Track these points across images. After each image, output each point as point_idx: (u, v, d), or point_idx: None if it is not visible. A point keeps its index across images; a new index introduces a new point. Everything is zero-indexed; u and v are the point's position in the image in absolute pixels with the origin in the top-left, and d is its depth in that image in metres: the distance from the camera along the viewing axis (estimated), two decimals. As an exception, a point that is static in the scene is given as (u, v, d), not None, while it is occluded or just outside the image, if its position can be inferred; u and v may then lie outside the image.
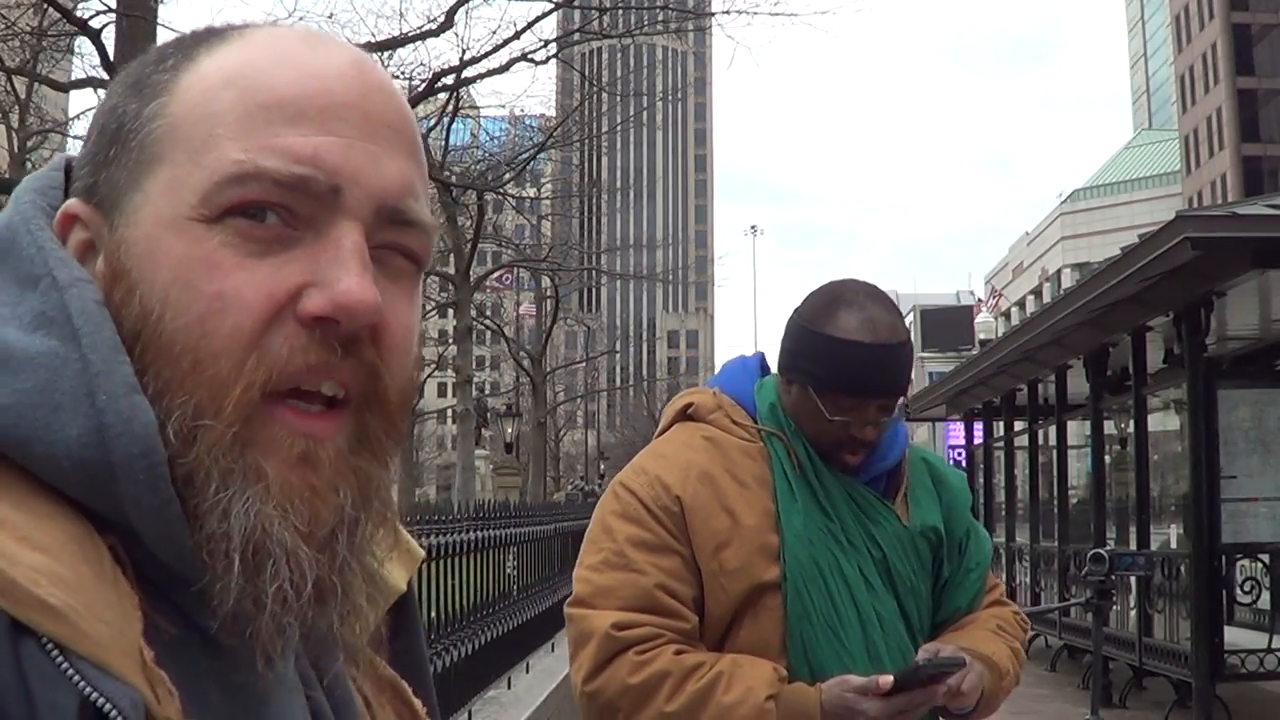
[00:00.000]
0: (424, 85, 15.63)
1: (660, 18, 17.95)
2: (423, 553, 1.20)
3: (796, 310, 2.03)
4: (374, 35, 15.42)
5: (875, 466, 2.03)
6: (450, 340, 31.23)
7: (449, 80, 16.10)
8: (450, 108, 20.67)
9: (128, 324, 0.63)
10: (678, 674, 1.85)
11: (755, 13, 16.48)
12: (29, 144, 21.15)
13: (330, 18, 25.25)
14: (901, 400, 1.97)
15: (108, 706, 0.55)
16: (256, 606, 0.62)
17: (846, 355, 1.90)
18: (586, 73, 23.74)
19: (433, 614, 4.86)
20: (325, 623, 0.65)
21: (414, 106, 16.58)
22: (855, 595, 1.95)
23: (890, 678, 1.81)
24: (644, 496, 1.95)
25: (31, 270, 0.64)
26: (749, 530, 1.93)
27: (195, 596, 0.62)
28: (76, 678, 0.55)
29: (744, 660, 1.88)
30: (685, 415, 2.10)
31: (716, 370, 2.29)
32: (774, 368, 2.15)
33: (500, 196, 23.45)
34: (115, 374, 0.61)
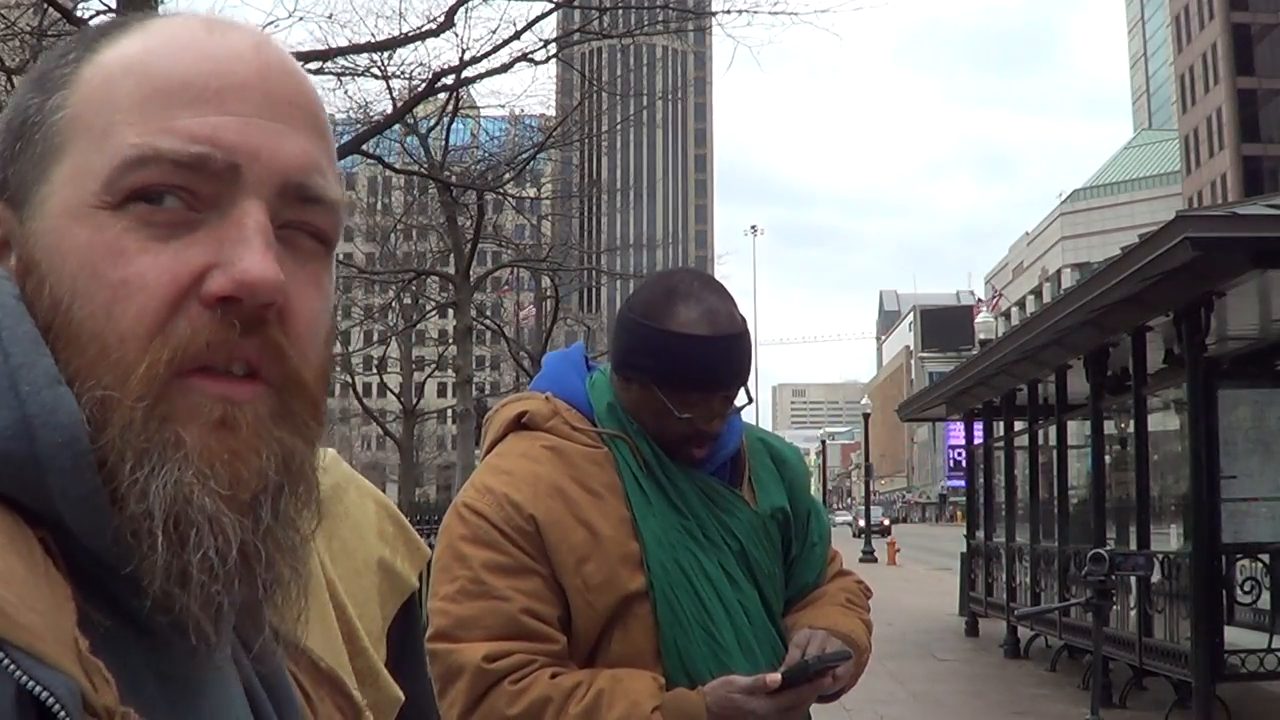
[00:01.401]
0: (424, 85, 15.62)
1: (660, 17, 17.94)
2: (429, 551, 1.20)
3: (628, 305, 1.94)
4: (374, 35, 15.41)
5: (719, 456, 1.97)
6: (450, 340, 31.22)
7: (449, 80, 16.07)
8: (450, 108, 20.66)
9: (40, 316, 0.64)
10: (558, 698, 1.78)
11: (755, 12, 16.46)
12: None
13: (330, 18, 25.33)
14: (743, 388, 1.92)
15: (44, 695, 0.55)
16: (184, 579, 0.62)
17: (689, 351, 1.84)
18: (586, 73, 23.71)
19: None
20: (251, 592, 0.64)
21: (414, 106, 16.58)
22: (721, 592, 1.90)
23: (778, 676, 1.76)
24: (494, 518, 1.85)
25: None
26: (608, 541, 1.86)
27: (128, 584, 0.62)
28: (12, 667, 0.55)
29: (622, 674, 1.82)
30: (519, 424, 1.99)
31: None
32: (592, 361, 2.09)
33: (500, 196, 23.43)
34: (36, 366, 0.62)
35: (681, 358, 1.85)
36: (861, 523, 62.09)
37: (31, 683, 0.55)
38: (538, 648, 1.82)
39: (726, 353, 1.86)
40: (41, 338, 0.63)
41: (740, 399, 1.94)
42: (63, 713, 0.55)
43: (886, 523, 69.89)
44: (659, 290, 1.90)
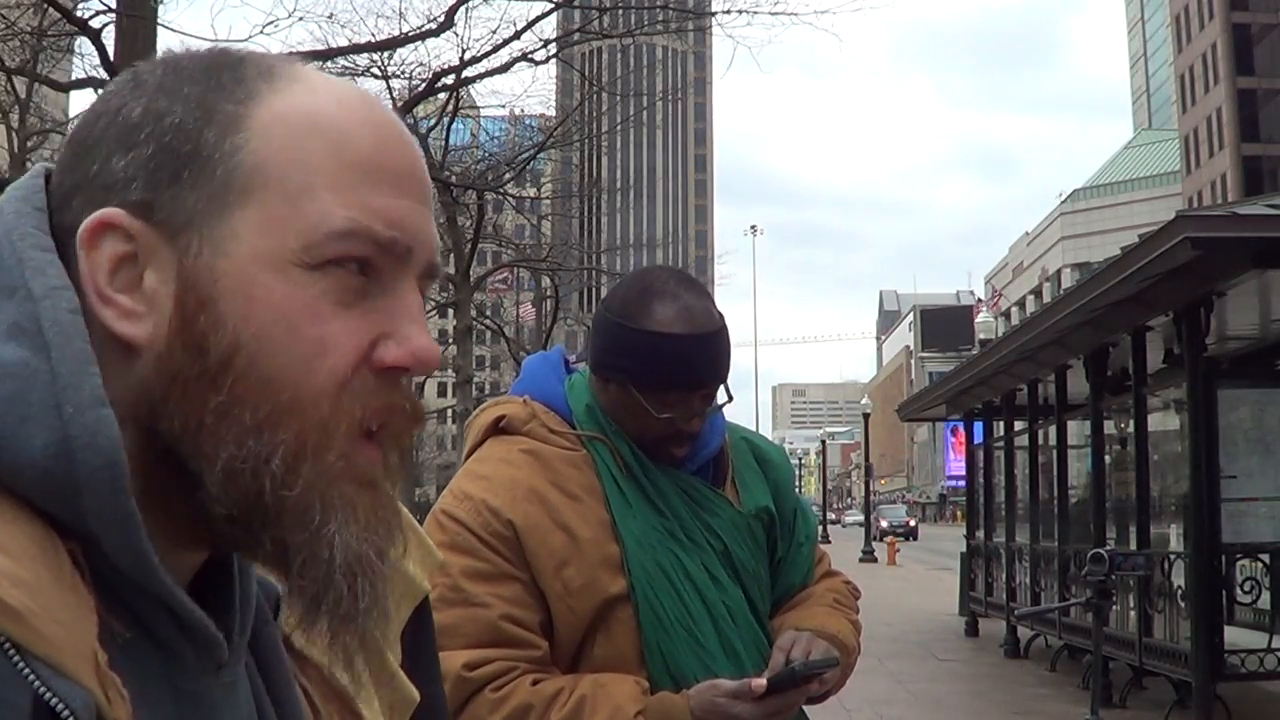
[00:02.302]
0: (424, 85, 15.63)
1: (660, 17, 17.94)
2: (441, 556, 1.23)
3: (605, 305, 1.92)
4: (374, 35, 15.42)
5: (700, 455, 1.94)
6: (450, 340, 31.24)
7: (449, 80, 16.09)
8: (450, 108, 20.68)
9: (215, 352, 0.66)
10: (540, 706, 1.76)
11: (755, 12, 16.48)
12: (29, 144, 21.16)
13: (330, 18, 25.32)
14: (722, 386, 1.90)
15: (60, 706, 0.56)
16: (347, 619, 0.68)
17: (667, 350, 1.82)
18: (586, 73, 23.73)
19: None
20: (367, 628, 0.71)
21: (414, 106, 16.59)
22: (704, 594, 1.88)
23: (764, 681, 1.74)
24: (472, 524, 1.83)
25: (8, 280, 0.65)
26: (588, 544, 1.84)
27: (151, 600, 0.65)
28: (31, 677, 0.56)
29: (605, 679, 1.80)
30: (497, 429, 1.96)
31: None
32: (573, 363, 2.07)
33: (500, 196, 23.45)
34: (83, 386, 0.63)
35: (659, 357, 1.82)
36: (884, 523, 57.39)
37: (48, 693, 0.56)
38: (518, 654, 1.80)
39: (704, 350, 1.84)
40: (92, 357, 0.64)
41: (720, 397, 1.92)
42: None
43: (912, 523, 62.97)
44: (635, 289, 1.88)
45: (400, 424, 0.72)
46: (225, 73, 0.70)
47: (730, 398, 1.95)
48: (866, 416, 46.20)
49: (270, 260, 0.67)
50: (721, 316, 1.89)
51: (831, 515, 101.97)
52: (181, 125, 0.68)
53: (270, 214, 0.67)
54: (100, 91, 0.74)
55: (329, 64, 14.06)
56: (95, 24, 11.61)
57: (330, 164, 0.69)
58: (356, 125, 0.70)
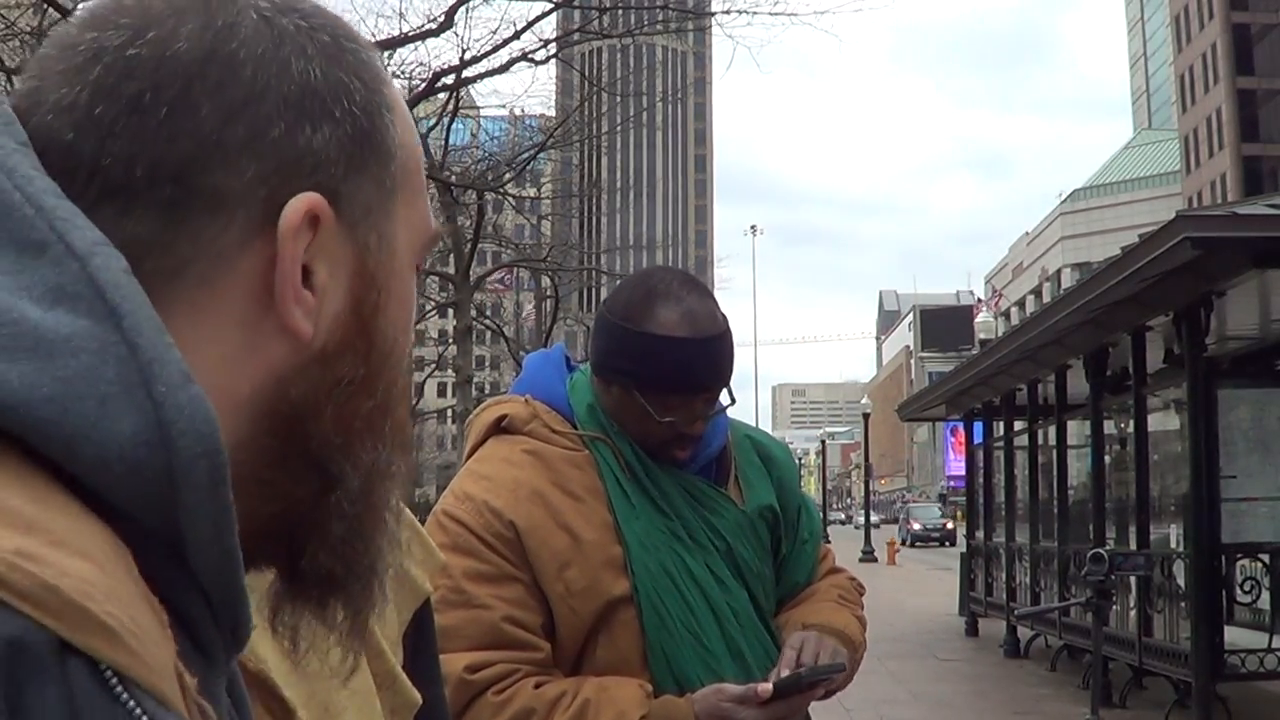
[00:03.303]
0: (424, 85, 15.63)
1: (660, 18, 17.95)
2: (443, 558, 1.22)
3: (607, 306, 1.90)
4: (374, 35, 15.41)
5: (703, 455, 1.92)
6: (450, 340, 31.23)
7: (449, 80, 16.11)
8: (450, 107, 20.67)
9: (378, 355, 0.63)
10: (542, 709, 1.74)
11: (755, 12, 16.51)
12: (29, 144, 21.15)
13: (330, 18, 25.25)
14: (725, 388, 1.88)
15: None
16: (358, 619, 0.66)
17: (670, 353, 1.79)
18: (586, 73, 23.74)
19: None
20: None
21: (414, 106, 16.59)
22: (709, 595, 1.86)
23: (770, 686, 1.73)
24: (474, 525, 1.81)
25: (31, 234, 0.54)
26: (590, 545, 1.82)
27: (196, 600, 0.56)
28: (140, 713, 0.48)
29: (608, 682, 1.78)
30: (499, 428, 1.94)
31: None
32: (574, 362, 2.06)
33: (500, 196, 23.45)
34: (169, 360, 0.53)
35: (661, 360, 1.80)
36: (915, 526, 47.67)
37: None
38: (521, 656, 1.78)
39: (707, 354, 1.82)
40: (164, 326, 0.54)
41: (723, 399, 1.90)
42: None
43: (949, 525, 46.61)
44: (638, 290, 1.86)
45: None
46: (344, 38, 0.64)
47: (733, 400, 1.93)
48: (866, 416, 46.21)
49: (408, 261, 0.66)
50: (725, 319, 1.87)
51: (841, 515, 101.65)
52: (366, 105, 0.63)
53: (410, 210, 0.66)
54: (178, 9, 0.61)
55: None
56: (95, 24, 11.62)
57: (416, 174, 0.68)
58: (411, 126, 0.69)
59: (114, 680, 0.47)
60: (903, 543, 41.96)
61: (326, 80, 0.61)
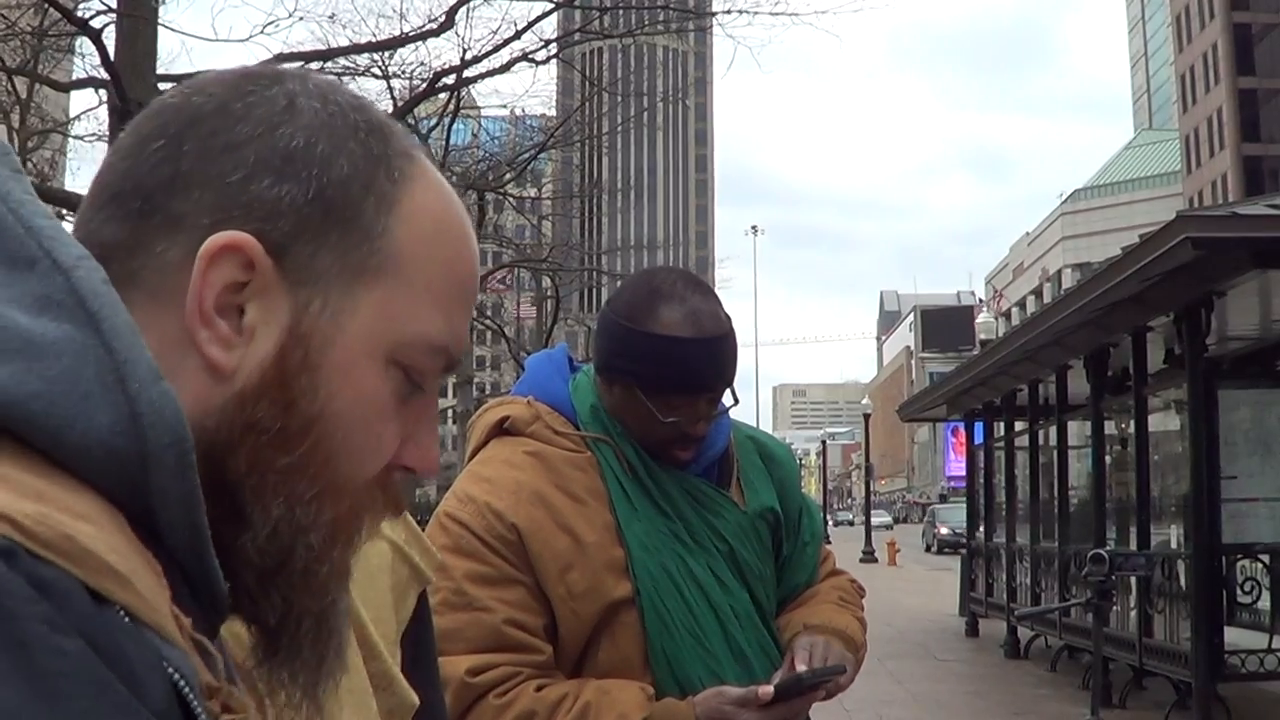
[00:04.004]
0: (424, 85, 15.63)
1: (661, 18, 17.95)
2: (439, 556, 1.23)
3: (610, 306, 1.89)
4: (375, 35, 15.43)
5: (705, 456, 1.92)
6: (450, 340, 31.18)
7: (449, 80, 16.09)
8: (451, 108, 20.67)
9: (300, 415, 0.66)
10: (544, 712, 1.74)
11: (755, 12, 16.49)
12: (29, 144, 21.16)
13: (332, 18, 25.30)
14: (728, 389, 1.88)
15: (176, 676, 0.55)
16: (314, 672, 0.70)
17: (674, 354, 1.79)
18: (587, 73, 23.74)
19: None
20: None
21: (414, 107, 16.58)
22: (710, 597, 1.86)
23: (770, 688, 1.72)
24: (476, 527, 1.81)
25: (21, 251, 0.61)
26: (592, 548, 1.82)
27: (175, 572, 0.63)
28: (158, 644, 0.55)
29: (610, 685, 1.78)
30: (501, 430, 1.94)
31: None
32: (577, 362, 2.05)
33: (501, 196, 23.47)
34: (141, 360, 0.60)
35: (665, 361, 1.79)
36: (943, 530, 38.74)
37: (166, 665, 0.55)
38: (522, 659, 1.78)
39: (711, 355, 1.81)
40: (138, 330, 0.61)
41: (726, 400, 1.90)
42: (190, 694, 0.56)
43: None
44: (641, 290, 1.85)
45: (383, 513, 0.74)
46: (377, 137, 0.70)
47: (736, 401, 1.93)
48: (867, 417, 46.21)
49: (374, 347, 0.68)
50: (729, 319, 1.86)
51: (849, 515, 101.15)
52: (346, 184, 0.68)
53: (391, 303, 0.68)
54: (221, 74, 0.72)
55: (329, 64, 14.07)
56: (95, 24, 11.63)
57: (443, 274, 0.71)
58: (463, 239, 0.73)
59: (126, 619, 0.54)
60: (927, 549, 37.79)
61: (307, 150, 0.67)
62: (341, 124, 0.69)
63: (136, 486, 0.60)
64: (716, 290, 1.97)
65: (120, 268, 0.65)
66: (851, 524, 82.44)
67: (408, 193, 0.70)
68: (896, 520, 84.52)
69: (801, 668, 1.80)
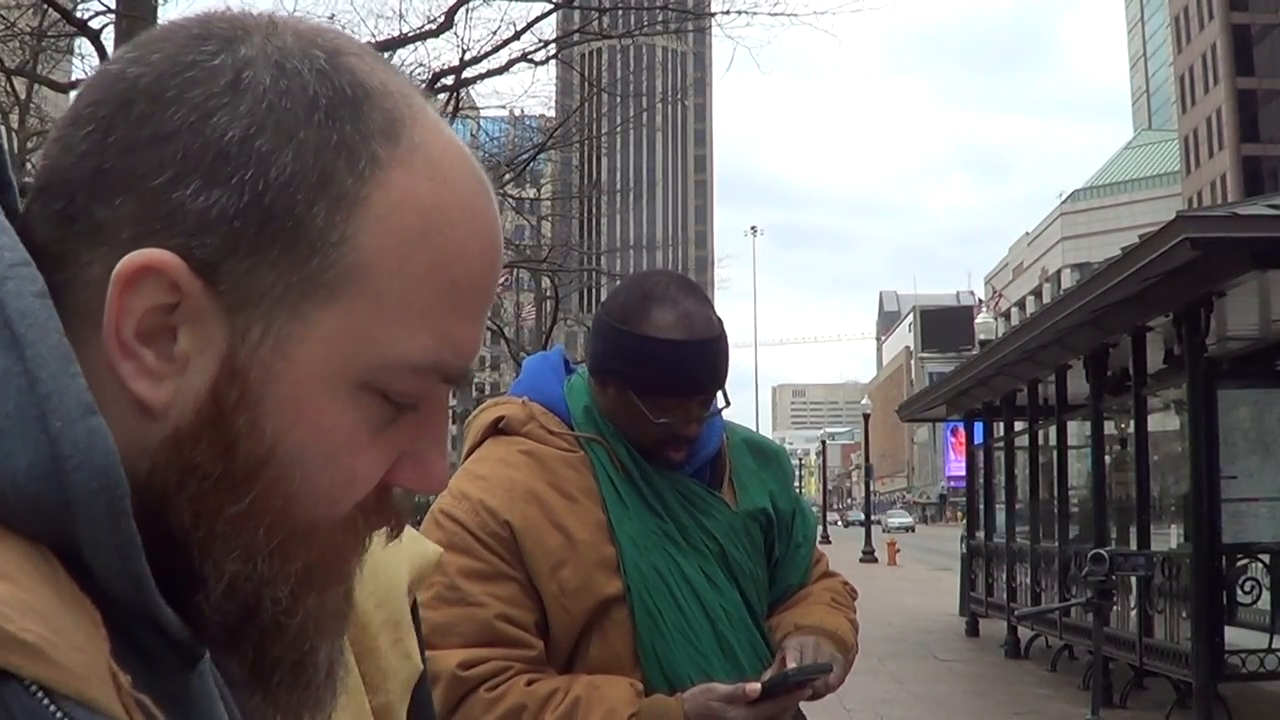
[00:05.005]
0: (424, 86, 15.60)
1: (660, 18, 17.96)
2: (438, 550, 1.21)
3: (604, 308, 1.92)
4: (374, 35, 15.42)
5: (698, 457, 1.95)
6: (450, 341, 31.17)
7: (449, 80, 16.10)
8: (450, 108, 20.66)
9: (244, 458, 0.57)
10: (534, 706, 1.77)
11: (755, 13, 16.49)
12: (29, 144, 21.15)
13: (331, 18, 25.32)
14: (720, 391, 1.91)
15: None
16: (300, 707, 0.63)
17: (666, 355, 1.82)
18: (586, 73, 23.73)
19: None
20: None
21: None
22: (701, 596, 1.89)
23: (758, 685, 1.75)
24: (470, 524, 1.84)
25: None
26: (584, 545, 1.85)
27: (134, 615, 0.56)
28: (79, 718, 0.49)
29: (599, 680, 1.81)
30: (496, 429, 1.97)
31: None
32: (573, 364, 2.08)
33: (500, 197, 23.43)
34: (68, 393, 0.52)
35: (657, 362, 1.82)
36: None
37: None
38: (514, 654, 1.81)
39: (703, 357, 1.84)
40: (72, 356, 0.53)
41: (719, 402, 1.93)
42: None
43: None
44: (634, 293, 1.88)
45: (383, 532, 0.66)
46: (343, 114, 0.58)
47: (728, 403, 1.96)
48: (866, 417, 46.19)
49: (331, 376, 0.58)
50: (720, 322, 1.89)
51: (859, 515, 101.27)
52: (288, 187, 0.56)
53: (352, 325, 0.58)
54: (168, 30, 0.59)
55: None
56: (95, 24, 11.63)
57: (430, 280, 0.59)
58: (467, 233, 0.60)
59: (39, 694, 0.48)
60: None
61: (243, 144, 0.56)
62: (293, 105, 0.57)
63: (64, 534, 0.52)
64: (716, 290, 1.99)
65: (49, 278, 0.55)
66: (863, 524, 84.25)
67: (380, 185, 0.58)
68: (923, 520, 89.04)
69: (792, 667, 1.82)
